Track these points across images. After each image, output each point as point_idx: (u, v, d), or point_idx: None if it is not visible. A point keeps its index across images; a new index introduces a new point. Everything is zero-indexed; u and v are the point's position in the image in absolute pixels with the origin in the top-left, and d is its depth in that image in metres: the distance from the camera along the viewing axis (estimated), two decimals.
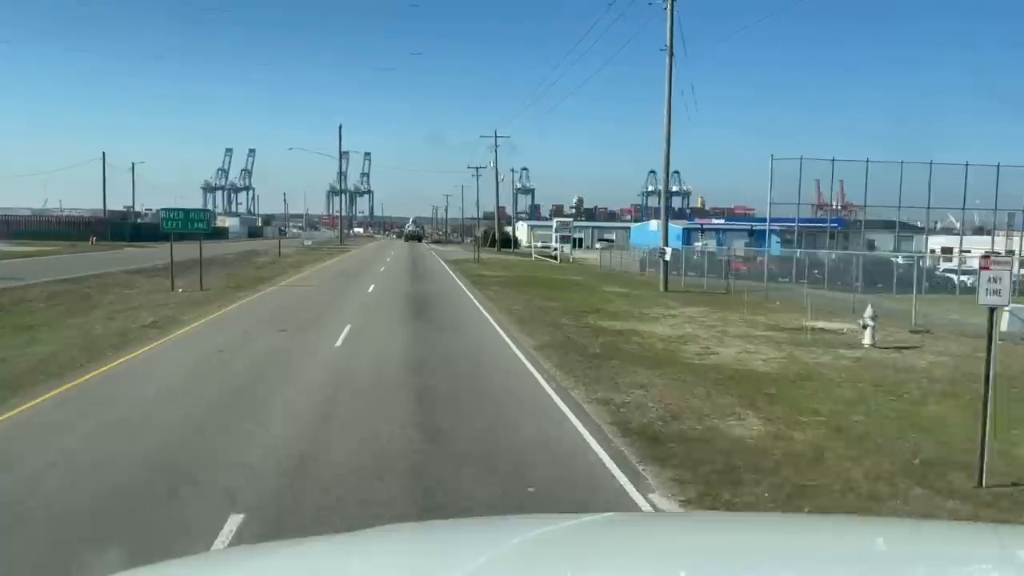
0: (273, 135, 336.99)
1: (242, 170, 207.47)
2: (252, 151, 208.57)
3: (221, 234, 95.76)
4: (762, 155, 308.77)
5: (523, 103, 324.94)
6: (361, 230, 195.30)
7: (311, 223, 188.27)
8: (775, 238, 65.00)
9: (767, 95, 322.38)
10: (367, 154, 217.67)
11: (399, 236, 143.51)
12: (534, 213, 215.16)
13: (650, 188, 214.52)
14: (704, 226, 64.81)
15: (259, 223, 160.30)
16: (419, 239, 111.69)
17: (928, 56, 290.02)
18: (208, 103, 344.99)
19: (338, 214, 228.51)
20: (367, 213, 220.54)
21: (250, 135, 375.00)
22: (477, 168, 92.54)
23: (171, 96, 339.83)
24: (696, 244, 46.84)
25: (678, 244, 62.13)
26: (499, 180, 79.58)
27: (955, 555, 1.97)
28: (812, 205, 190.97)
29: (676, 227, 68.59)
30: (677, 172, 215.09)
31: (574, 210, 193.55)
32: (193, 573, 2.03)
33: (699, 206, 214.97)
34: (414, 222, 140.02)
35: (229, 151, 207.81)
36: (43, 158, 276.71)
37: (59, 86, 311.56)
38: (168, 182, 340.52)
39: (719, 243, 66.54)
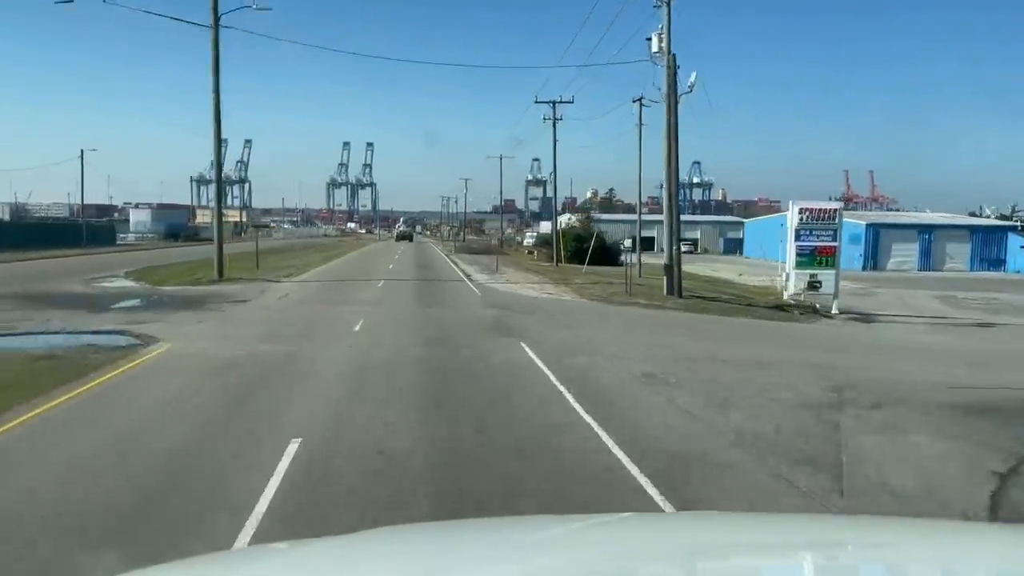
0: (269, 128, 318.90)
1: (237, 162, 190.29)
2: (248, 142, 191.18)
3: (100, 236, 65.73)
4: (770, 150, 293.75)
5: (533, 95, 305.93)
6: (355, 226, 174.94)
7: (307, 218, 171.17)
8: (1020, 241, 49.00)
9: (773, 91, 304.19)
10: (369, 144, 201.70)
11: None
12: (546, 207, 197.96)
13: None
14: None
15: (190, 219, 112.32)
16: (409, 238, 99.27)
17: (928, 53, 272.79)
18: (199, 93, 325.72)
19: (340, 208, 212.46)
20: (369, 207, 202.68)
21: (245, 127, 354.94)
22: (554, 102, 43.54)
23: (162, 86, 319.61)
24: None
25: (858, 256, 45.50)
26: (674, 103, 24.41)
27: (955, 555, 1.94)
28: (841, 197, 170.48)
29: (852, 223, 47.09)
30: (698, 163, 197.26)
31: (605, 200, 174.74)
32: (194, 573, 1.94)
33: (721, 198, 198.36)
34: (404, 222, 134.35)
35: (224, 142, 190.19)
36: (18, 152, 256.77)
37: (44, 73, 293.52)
38: (156, 176, 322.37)
39: (924, 245, 48.65)
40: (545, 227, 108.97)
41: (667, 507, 5.77)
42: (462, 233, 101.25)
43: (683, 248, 57.26)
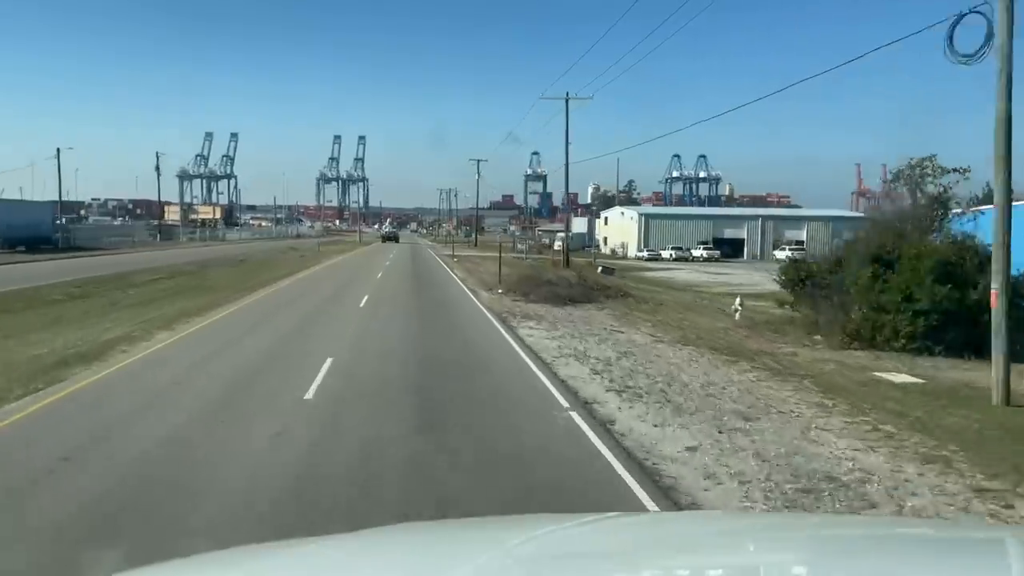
0: (261, 122, 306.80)
1: (223, 156, 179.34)
2: (234, 136, 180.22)
3: None
4: (778, 143, 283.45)
5: (536, 95, 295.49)
6: (338, 223, 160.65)
7: (293, 215, 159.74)
8: None
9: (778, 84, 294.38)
10: (361, 138, 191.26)
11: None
12: (546, 203, 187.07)
13: (674, 174, 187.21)
14: None
15: (62, 215, 65.67)
16: (395, 239, 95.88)
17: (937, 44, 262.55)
18: (194, 89, 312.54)
19: (330, 204, 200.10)
20: (361, 203, 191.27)
21: (235, 121, 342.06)
22: None
23: (154, 80, 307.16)
24: None
25: None
26: None
27: (954, 553, 1.89)
28: (853, 193, 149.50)
29: None
30: (704, 156, 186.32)
31: (623, 195, 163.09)
32: (193, 573, 1.91)
33: (728, 193, 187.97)
34: (390, 222, 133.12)
35: (209, 136, 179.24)
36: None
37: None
38: (142, 171, 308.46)
39: None
40: (616, 221, 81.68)
41: None
42: (474, 234, 79.52)
43: (797, 254, 36.41)
